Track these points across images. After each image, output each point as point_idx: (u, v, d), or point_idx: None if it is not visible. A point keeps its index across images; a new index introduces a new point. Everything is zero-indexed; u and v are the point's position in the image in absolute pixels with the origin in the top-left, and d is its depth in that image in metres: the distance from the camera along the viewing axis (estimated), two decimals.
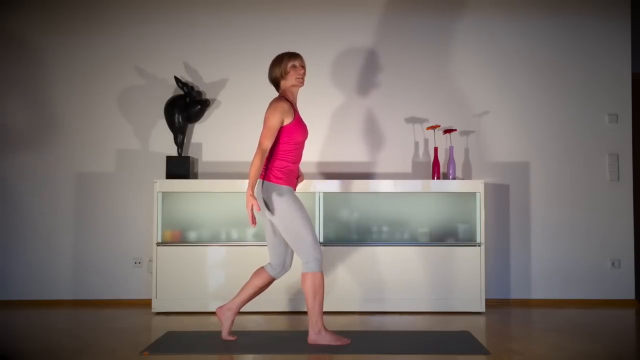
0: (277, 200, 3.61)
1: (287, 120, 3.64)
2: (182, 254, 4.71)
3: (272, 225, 3.71)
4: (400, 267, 4.70)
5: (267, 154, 3.61)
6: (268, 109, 3.64)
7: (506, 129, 5.15)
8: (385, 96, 5.15)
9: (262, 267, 3.79)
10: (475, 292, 4.67)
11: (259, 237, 4.72)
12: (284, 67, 3.70)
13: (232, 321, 3.79)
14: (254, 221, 3.53)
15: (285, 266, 3.77)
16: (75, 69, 5.15)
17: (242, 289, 3.79)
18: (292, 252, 3.78)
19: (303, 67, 3.74)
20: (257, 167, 3.54)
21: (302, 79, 3.73)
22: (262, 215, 3.70)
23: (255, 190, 3.60)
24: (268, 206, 3.62)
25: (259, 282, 3.76)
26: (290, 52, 3.77)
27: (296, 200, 3.65)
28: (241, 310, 4.64)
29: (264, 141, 3.59)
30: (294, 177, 3.72)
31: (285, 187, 3.63)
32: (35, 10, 5.16)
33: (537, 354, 3.50)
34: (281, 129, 3.64)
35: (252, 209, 3.51)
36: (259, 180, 3.68)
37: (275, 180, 3.63)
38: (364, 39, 5.16)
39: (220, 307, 3.81)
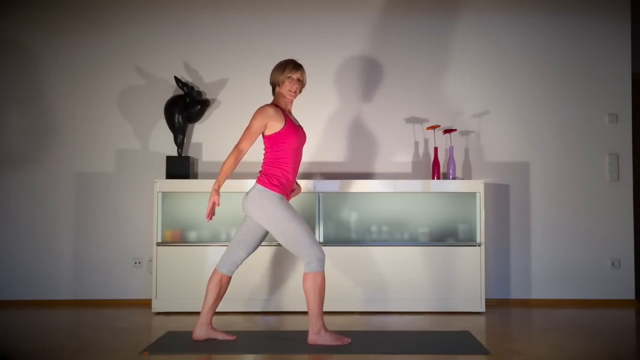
0: (269, 206, 3.60)
1: (275, 125, 3.63)
2: (182, 254, 4.71)
3: (257, 225, 3.70)
4: (400, 267, 4.70)
5: (242, 155, 3.64)
6: (254, 113, 3.66)
7: (506, 129, 5.15)
8: (385, 96, 5.15)
9: (216, 270, 3.75)
10: (475, 292, 4.67)
11: None
12: (283, 76, 3.70)
13: (214, 329, 3.77)
14: (210, 215, 3.60)
15: (240, 263, 3.77)
16: (75, 69, 5.15)
17: (204, 299, 3.75)
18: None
19: (300, 81, 3.72)
20: (229, 165, 3.59)
21: (294, 92, 3.72)
22: (251, 216, 3.69)
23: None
24: (258, 211, 3.62)
25: (216, 283, 3.73)
26: (294, 62, 3.74)
27: (287, 205, 3.65)
28: (241, 310, 4.65)
29: (241, 141, 3.63)
30: (289, 189, 3.73)
31: (276, 194, 3.63)
32: (34, 10, 5.16)
33: (537, 354, 3.50)
34: (273, 136, 3.65)
35: (212, 204, 3.56)
36: (254, 184, 3.68)
37: (271, 187, 3.62)
38: (363, 39, 5.16)
39: (193, 331, 3.77)
